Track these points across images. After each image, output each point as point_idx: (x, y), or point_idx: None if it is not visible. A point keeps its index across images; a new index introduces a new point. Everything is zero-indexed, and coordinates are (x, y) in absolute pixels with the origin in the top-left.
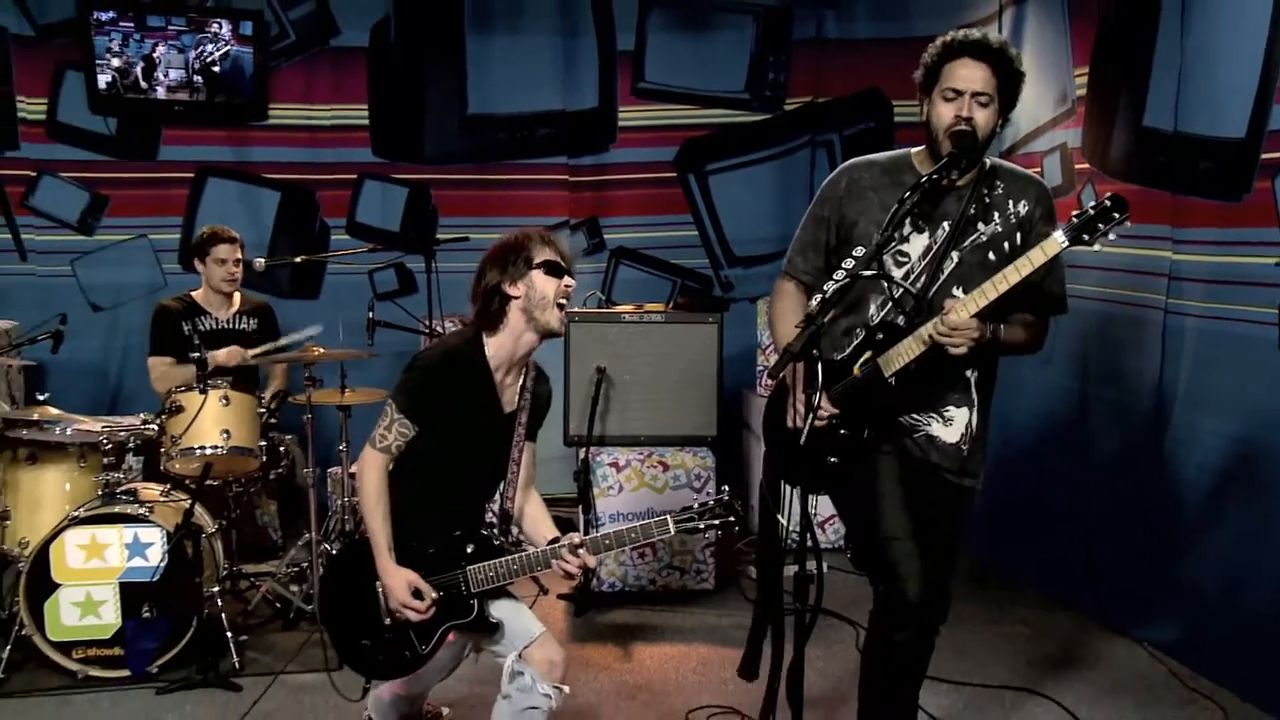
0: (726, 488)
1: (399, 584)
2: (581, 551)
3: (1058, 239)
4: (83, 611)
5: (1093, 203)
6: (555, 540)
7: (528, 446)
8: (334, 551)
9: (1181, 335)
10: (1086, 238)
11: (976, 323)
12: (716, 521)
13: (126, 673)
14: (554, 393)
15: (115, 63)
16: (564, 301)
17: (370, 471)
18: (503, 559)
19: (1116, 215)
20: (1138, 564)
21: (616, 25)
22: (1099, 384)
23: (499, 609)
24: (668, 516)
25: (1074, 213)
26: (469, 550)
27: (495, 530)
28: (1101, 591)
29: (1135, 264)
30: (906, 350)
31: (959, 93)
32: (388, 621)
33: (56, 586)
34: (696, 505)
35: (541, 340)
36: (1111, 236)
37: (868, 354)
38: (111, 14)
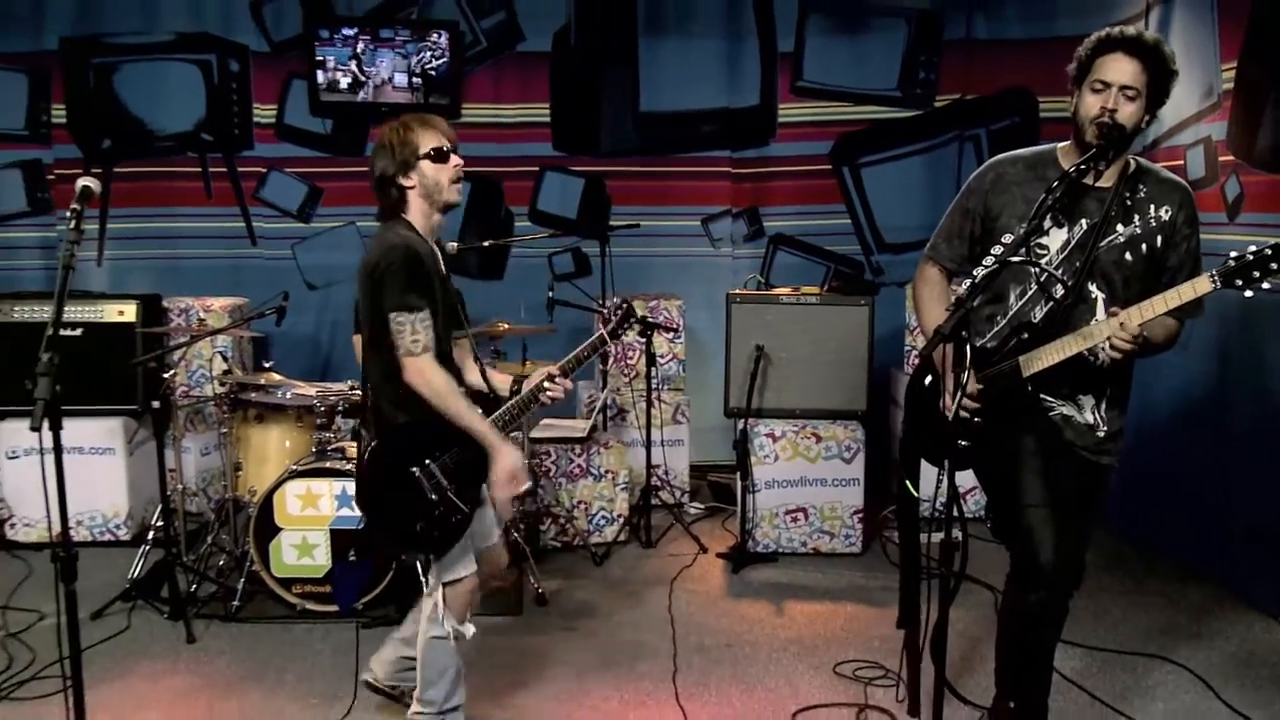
0: (618, 299)
1: (517, 461)
2: (559, 378)
3: (1207, 282)
4: (300, 553)
5: (1253, 247)
6: (518, 382)
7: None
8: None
9: None
10: (1239, 283)
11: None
12: (627, 321)
13: (335, 608)
14: (714, 369)
15: (353, 66)
16: (459, 179)
17: (435, 374)
18: (503, 407)
19: (1276, 265)
20: (1277, 541)
21: (777, 28)
22: (1239, 368)
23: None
24: (602, 330)
25: (1232, 254)
26: (477, 411)
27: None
28: (1240, 567)
29: None
30: (1049, 355)
31: (1107, 85)
32: (434, 497)
33: (279, 530)
34: (614, 316)
35: (446, 213)
36: (1266, 285)
37: (1010, 351)
38: (354, 30)
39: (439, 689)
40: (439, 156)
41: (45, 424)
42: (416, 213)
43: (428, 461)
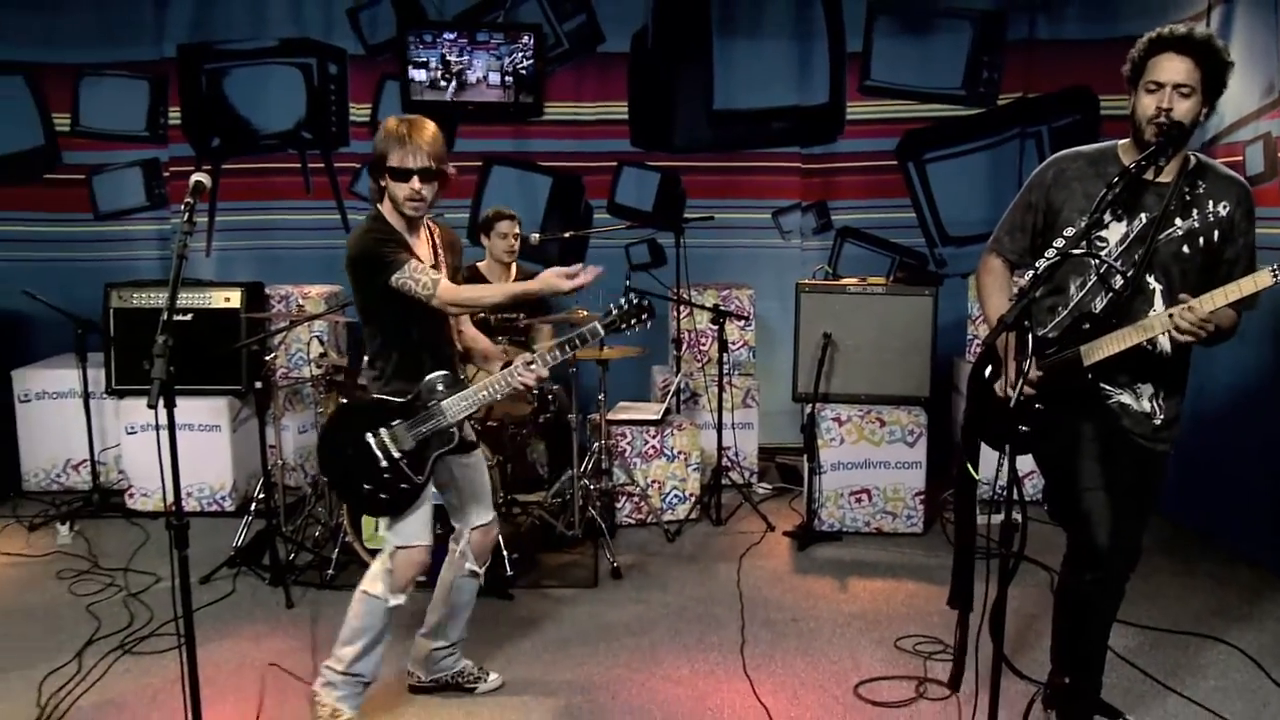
0: (633, 295)
1: (551, 276)
2: (534, 365)
3: (1268, 276)
4: None
5: None
6: (508, 364)
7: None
8: (321, 431)
9: None
10: None
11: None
12: (633, 320)
13: (424, 577)
14: (783, 355)
15: (450, 66)
16: (416, 200)
17: (458, 292)
18: (470, 388)
19: None
20: None
21: (846, 29)
22: None
23: (471, 487)
24: (595, 322)
25: None
26: (440, 389)
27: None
28: None
29: None
30: (1109, 345)
31: (1161, 85)
32: (384, 464)
33: None
34: (615, 311)
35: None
36: None
37: (1070, 342)
38: (454, 34)
39: (352, 648)
40: (396, 175)
41: (161, 402)
42: (389, 208)
43: (382, 430)
